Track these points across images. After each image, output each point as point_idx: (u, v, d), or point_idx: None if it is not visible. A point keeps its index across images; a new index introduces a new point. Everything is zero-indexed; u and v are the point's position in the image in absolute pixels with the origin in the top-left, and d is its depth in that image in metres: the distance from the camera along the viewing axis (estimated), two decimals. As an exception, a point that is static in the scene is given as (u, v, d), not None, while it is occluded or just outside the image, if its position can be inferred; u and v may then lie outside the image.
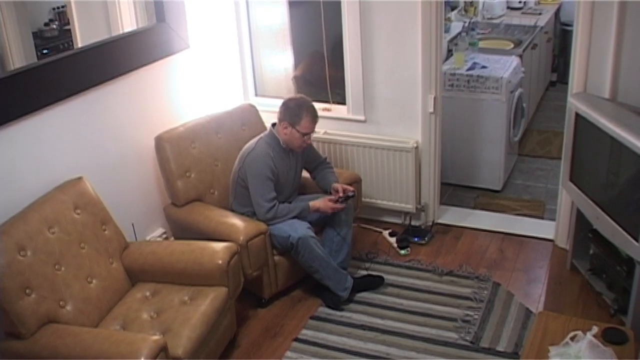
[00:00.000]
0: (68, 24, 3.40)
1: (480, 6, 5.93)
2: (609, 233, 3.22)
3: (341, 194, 3.67)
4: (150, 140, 3.74)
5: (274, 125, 3.68)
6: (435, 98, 4.04)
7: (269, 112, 4.17)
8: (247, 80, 4.65)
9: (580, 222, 3.64)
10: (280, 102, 4.56)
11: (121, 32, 3.64)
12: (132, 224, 3.65)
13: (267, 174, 3.55)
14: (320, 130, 4.34)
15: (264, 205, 3.54)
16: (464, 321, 3.48)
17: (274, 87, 4.74)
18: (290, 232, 3.51)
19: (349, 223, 3.76)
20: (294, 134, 3.57)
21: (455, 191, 4.86)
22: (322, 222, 3.76)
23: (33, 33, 3.24)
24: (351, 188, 3.75)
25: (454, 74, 4.65)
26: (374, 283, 3.80)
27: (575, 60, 3.58)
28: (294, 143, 3.62)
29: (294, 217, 3.60)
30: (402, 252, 4.14)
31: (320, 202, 3.65)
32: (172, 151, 3.70)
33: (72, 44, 3.39)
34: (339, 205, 3.64)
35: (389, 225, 4.41)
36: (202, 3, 4.21)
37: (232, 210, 3.74)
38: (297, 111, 3.55)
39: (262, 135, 3.71)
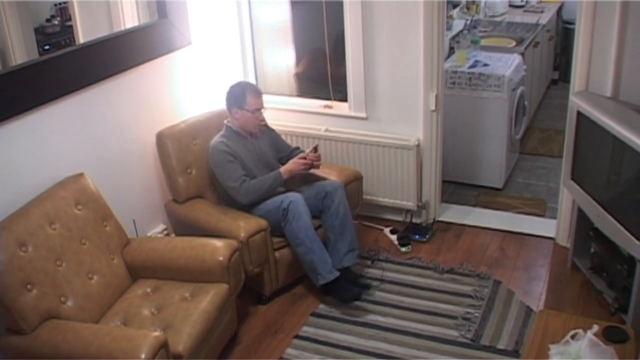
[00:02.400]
0: (70, 20, 3.40)
1: (482, 4, 5.92)
2: (610, 232, 3.22)
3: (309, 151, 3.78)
4: (151, 137, 3.74)
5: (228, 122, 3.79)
6: (436, 96, 4.03)
7: (271, 108, 4.16)
8: (248, 77, 4.64)
9: (582, 221, 3.64)
10: (282, 99, 4.58)
11: (123, 28, 3.64)
12: (133, 220, 3.65)
13: (226, 158, 3.61)
14: (322, 127, 4.34)
15: (233, 186, 3.59)
16: (465, 319, 3.48)
17: (276, 84, 4.74)
18: (282, 199, 3.57)
19: (344, 203, 3.71)
20: (245, 114, 3.68)
21: (457, 189, 4.86)
22: (317, 211, 3.72)
23: (35, 29, 3.24)
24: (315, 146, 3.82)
25: (455, 72, 4.64)
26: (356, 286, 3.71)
27: (577, 58, 3.57)
28: (249, 124, 3.72)
29: (270, 188, 3.65)
30: (403, 249, 4.14)
31: (289, 164, 3.73)
32: (173, 148, 3.70)
33: (74, 40, 3.39)
34: (307, 161, 3.72)
35: (390, 223, 4.41)
36: (204, -1, 4.21)
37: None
38: (239, 93, 3.69)
39: (215, 133, 3.81)
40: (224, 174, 3.63)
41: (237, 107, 3.68)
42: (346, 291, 3.58)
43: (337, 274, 3.57)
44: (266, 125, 3.92)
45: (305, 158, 3.74)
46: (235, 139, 3.70)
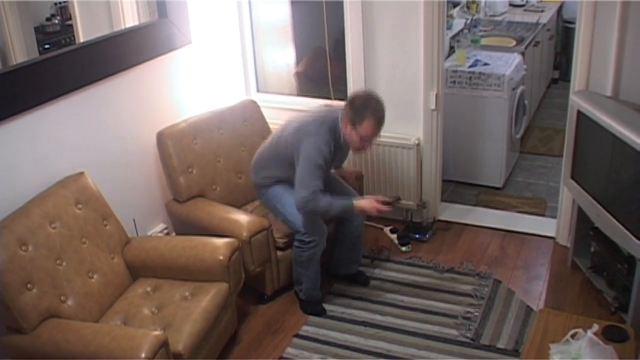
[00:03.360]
0: (70, 19, 3.40)
1: (483, 3, 5.92)
2: (610, 231, 3.22)
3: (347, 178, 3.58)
4: (152, 136, 3.74)
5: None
6: (437, 95, 4.03)
7: (271, 108, 4.17)
8: (249, 76, 4.65)
9: (582, 220, 3.64)
10: (282, 98, 4.56)
11: (123, 27, 3.64)
12: (134, 220, 3.65)
13: (321, 163, 3.24)
14: (322, 126, 4.34)
15: (308, 187, 3.21)
16: (465, 318, 3.48)
17: (276, 83, 4.74)
18: (308, 230, 3.39)
19: (361, 225, 3.72)
20: (353, 135, 3.26)
21: (457, 188, 4.86)
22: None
23: (35, 28, 3.24)
24: (350, 174, 3.71)
25: (455, 71, 4.64)
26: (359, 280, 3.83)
27: (577, 57, 3.57)
28: (352, 144, 3.34)
29: (334, 214, 3.35)
30: (403, 248, 4.14)
31: (366, 202, 3.31)
32: (174, 147, 3.70)
33: (74, 39, 3.39)
34: (385, 208, 3.32)
35: (390, 222, 4.40)
36: (204, -1, 4.21)
37: (254, 168, 3.62)
38: (360, 110, 3.22)
39: (329, 117, 3.36)
40: (307, 172, 3.23)
41: (350, 122, 3.24)
42: (310, 306, 3.63)
43: (318, 296, 3.64)
44: None
45: (383, 202, 3.32)
46: (337, 141, 3.33)
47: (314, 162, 3.24)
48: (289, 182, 3.42)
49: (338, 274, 3.83)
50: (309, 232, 3.39)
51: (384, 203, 3.33)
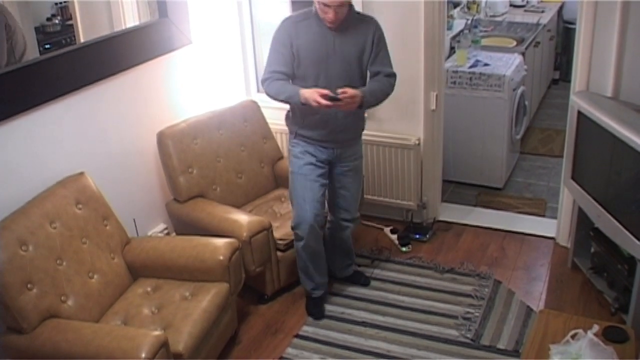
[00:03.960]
0: (70, 19, 3.40)
1: (483, 4, 5.92)
2: (610, 231, 3.22)
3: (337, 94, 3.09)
4: (152, 136, 3.74)
5: None
6: (437, 95, 4.03)
7: (271, 108, 4.15)
8: (249, 76, 4.64)
9: (582, 221, 3.64)
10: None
11: (123, 27, 3.64)
12: (134, 220, 3.65)
13: (278, 48, 3.21)
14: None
15: (264, 74, 3.28)
16: (465, 319, 3.48)
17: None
18: (299, 214, 3.38)
19: (350, 236, 3.71)
20: (316, 3, 3.10)
21: (457, 188, 4.86)
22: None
23: (35, 28, 3.24)
24: (350, 93, 3.09)
25: (456, 72, 4.64)
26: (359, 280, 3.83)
27: (577, 58, 3.57)
28: (320, 13, 3.12)
29: (283, 100, 3.25)
30: (404, 249, 4.14)
31: (309, 92, 3.10)
32: (174, 147, 3.70)
33: (75, 39, 3.39)
34: (323, 101, 3.05)
35: (391, 222, 4.41)
36: (204, -1, 4.21)
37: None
38: None
39: (304, 9, 3.27)
40: (269, 56, 3.27)
41: None
42: (312, 306, 3.63)
43: (320, 293, 3.62)
44: (374, 26, 3.27)
45: (327, 97, 3.06)
46: (312, 23, 3.16)
47: (274, 48, 3.25)
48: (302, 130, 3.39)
49: (336, 276, 3.83)
50: (295, 225, 3.42)
51: (327, 97, 3.05)
